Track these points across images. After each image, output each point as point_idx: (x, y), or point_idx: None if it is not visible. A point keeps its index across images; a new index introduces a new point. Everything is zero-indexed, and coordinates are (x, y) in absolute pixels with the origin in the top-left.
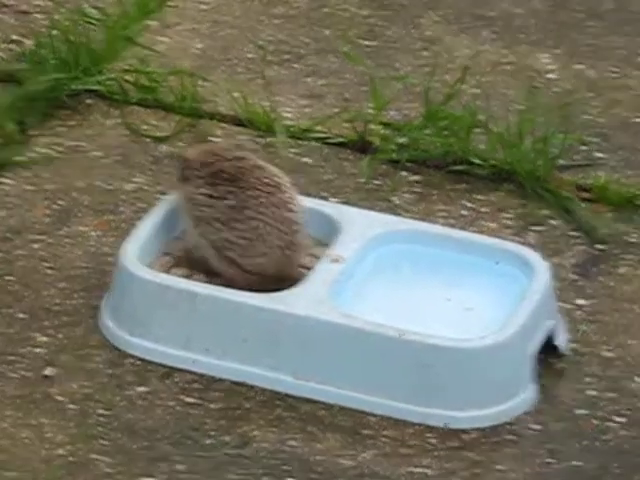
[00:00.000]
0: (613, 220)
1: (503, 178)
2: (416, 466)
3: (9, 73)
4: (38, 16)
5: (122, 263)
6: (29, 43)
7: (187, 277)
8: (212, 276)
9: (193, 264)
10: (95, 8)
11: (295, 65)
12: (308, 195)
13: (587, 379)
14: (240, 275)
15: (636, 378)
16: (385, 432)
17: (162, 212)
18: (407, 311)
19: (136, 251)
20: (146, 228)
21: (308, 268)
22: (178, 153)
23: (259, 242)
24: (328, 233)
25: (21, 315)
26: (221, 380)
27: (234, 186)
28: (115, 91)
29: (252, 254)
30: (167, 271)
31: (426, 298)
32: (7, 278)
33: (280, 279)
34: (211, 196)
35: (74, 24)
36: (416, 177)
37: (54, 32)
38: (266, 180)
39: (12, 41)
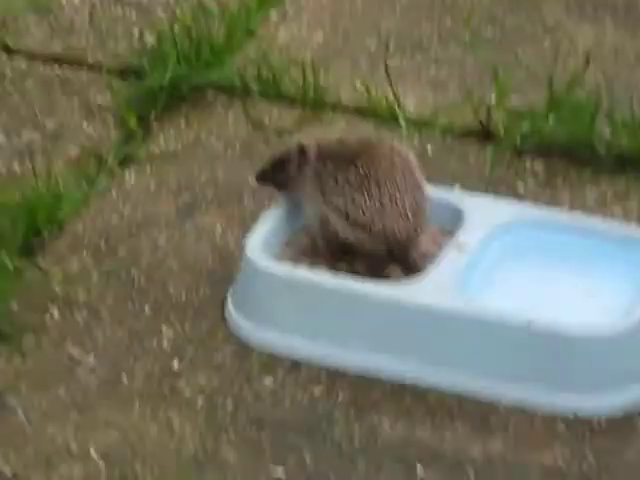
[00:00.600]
0: None
1: (628, 164)
2: (545, 454)
3: (131, 68)
4: (159, 11)
5: (247, 255)
6: (151, 38)
7: (312, 268)
8: (336, 265)
9: (317, 249)
10: (215, 2)
11: (417, 55)
12: (432, 184)
13: None
14: (368, 240)
15: None
16: (514, 420)
17: (285, 203)
18: (534, 299)
19: (261, 243)
20: (270, 220)
21: (433, 256)
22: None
23: (391, 206)
24: (453, 221)
25: (147, 309)
26: (348, 371)
27: (362, 156)
28: (236, 84)
29: (383, 218)
30: (293, 263)
31: (552, 285)
32: (133, 272)
33: (404, 249)
34: (338, 166)
35: (195, 18)
36: (540, 164)
37: (175, 27)
38: (396, 153)
39: (134, 36)
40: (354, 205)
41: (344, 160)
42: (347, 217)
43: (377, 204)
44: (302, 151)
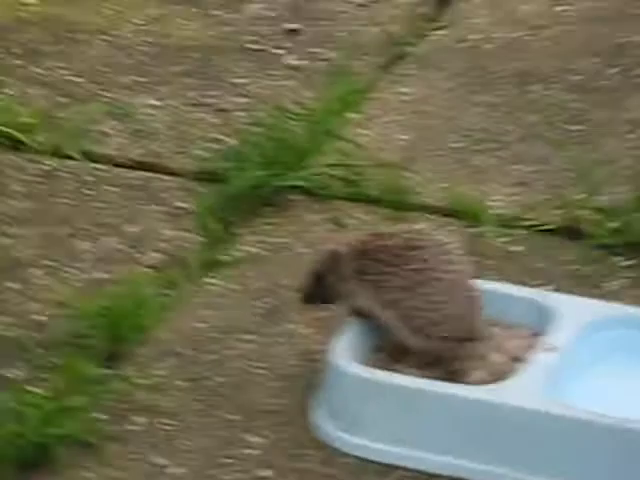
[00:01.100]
0: None
1: None
2: None
3: (213, 172)
4: (239, 113)
5: (333, 360)
6: (231, 141)
7: (400, 371)
8: (423, 367)
9: (404, 352)
10: (296, 103)
11: (501, 153)
12: (520, 284)
13: None
14: (431, 344)
15: None
16: None
17: None
18: (627, 399)
19: (346, 348)
20: (357, 324)
21: (520, 359)
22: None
23: (447, 304)
24: (541, 321)
25: (233, 417)
26: (439, 476)
27: (411, 251)
28: (319, 186)
29: (440, 318)
30: (381, 367)
31: None
32: (218, 380)
33: (467, 345)
34: (385, 269)
35: (276, 120)
36: (630, 262)
37: (256, 129)
38: (442, 251)
39: (214, 140)
40: (413, 309)
41: (392, 257)
42: (408, 323)
43: (433, 302)
44: (335, 256)
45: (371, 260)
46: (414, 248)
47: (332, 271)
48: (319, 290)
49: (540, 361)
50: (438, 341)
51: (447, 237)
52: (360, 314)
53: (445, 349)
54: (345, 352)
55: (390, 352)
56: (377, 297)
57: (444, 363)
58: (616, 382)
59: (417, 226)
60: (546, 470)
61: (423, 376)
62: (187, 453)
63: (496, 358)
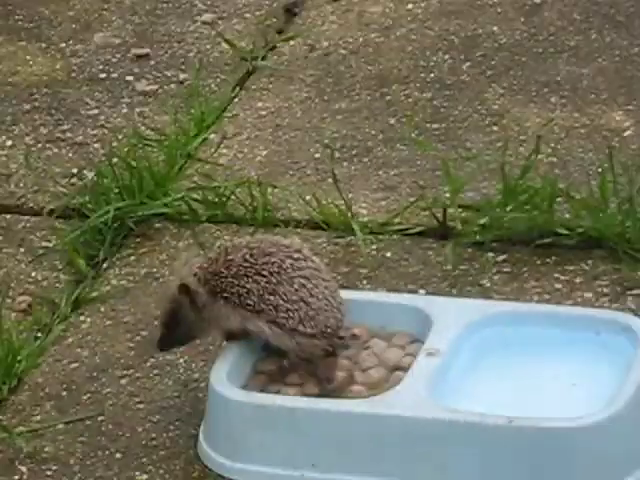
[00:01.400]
0: None
1: (592, 245)
2: None
3: (73, 208)
4: (96, 146)
5: (214, 387)
6: (90, 174)
7: (281, 392)
8: (304, 385)
9: (286, 371)
10: (152, 129)
11: (364, 159)
12: (395, 290)
13: None
14: (304, 342)
15: None
16: None
17: None
18: (513, 395)
19: (227, 373)
20: (235, 348)
21: (404, 367)
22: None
23: (310, 299)
24: (421, 327)
25: (118, 455)
26: None
27: (258, 263)
28: (183, 211)
29: (306, 314)
30: (262, 389)
31: (530, 379)
32: (99, 419)
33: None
34: (240, 282)
35: (133, 149)
36: (503, 256)
37: (114, 160)
38: (292, 251)
39: (72, 175)
40: (277, 311)
41: (243, 268)
42: (279, 326)
43: (296, 304)
44: (186, 290)
45: (223, 278)
46: (264, 255)
47: (186, 306)
48: (176, 332)
49: (422, 367)
50: (309, 338)
51: (293, 240)
52: (233, 336)
53: (318, 345)
54: (224, 377)
55: (270, 372)
56: (241, 312)
57: (322, 370)
58: (500, 380)
59: (259, 236)
60: (439, 477)
61: (304, 395)
62: None
63: (376, 370)
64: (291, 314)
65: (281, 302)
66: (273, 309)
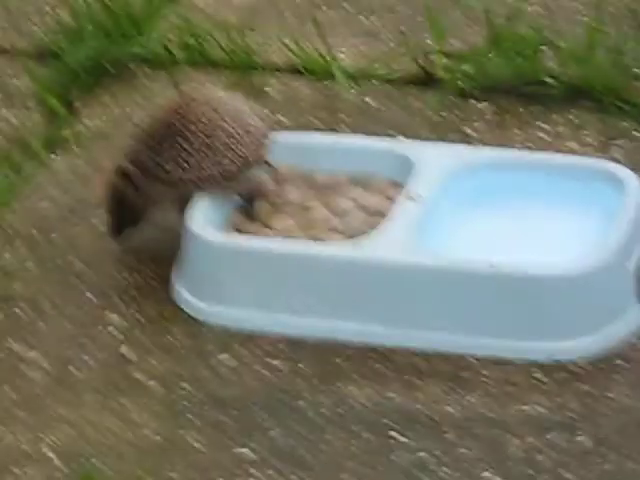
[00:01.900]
0: None
1: (578, 95)
2: (525, 404)
3: (48, 48)
4: None
5: (190, 228)
6: (65, 15)
7: (260, 233)
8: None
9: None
10: None
11: (345, 4)
12: (377, 135)
13: None
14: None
15: None
16: (487, 372)
17: None
18: (496, 243)
19: (202, 216)
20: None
21: (384, 212)
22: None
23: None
24: (402, 172)
25: (90, 295)
26: (308, 338)
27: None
28: (160, 53)
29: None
30: (238, 231)
31: (514, 226)
32: (70, 258)
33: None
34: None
35: None
36: (486, 104)
37: (90, 0)
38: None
39: (48, 14)
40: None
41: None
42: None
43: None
44: (124, 175)
45: (159, 145)
46: (187, 113)
47: (126, 190)
48: (125, 216)
49: (404, 212)
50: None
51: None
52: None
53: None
54: (202, 219)
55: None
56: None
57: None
58: (483, 226)
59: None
60: (418, 323)
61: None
62: (45, 337)
63: (355, 214)
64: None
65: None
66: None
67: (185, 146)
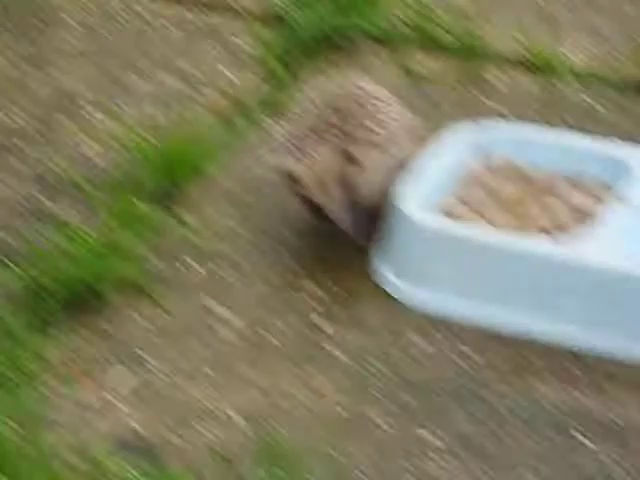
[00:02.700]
0: None
1: None
2: None
3: (279, 15)
4: None
5: (400, 208)
6: None
7: (471, 222)
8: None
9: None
10: None
11: (582, 5)
12: (596, 138)
13: None
14: None
15: None
16: None
17: (442, 152)
18: None
19: (416, 195)
20: (426, 169)
21: (594, 214)
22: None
23: None
24: (616, 175)
25: (293, 264)
26: (504, 331)
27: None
28: (388, 30)
29: None
30: (451, 215)
31: None
32: (278, 227)
33: None
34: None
35: None
36: None
37: None
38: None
39: None
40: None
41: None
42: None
43: None
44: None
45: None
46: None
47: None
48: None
49: (615, 215)
50: None
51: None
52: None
53: None
54: (413, 200)
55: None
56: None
57: None
58: None
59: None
60: (619, 330)
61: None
62: (243, 299)
63: (567, 216)
64: None
65: None
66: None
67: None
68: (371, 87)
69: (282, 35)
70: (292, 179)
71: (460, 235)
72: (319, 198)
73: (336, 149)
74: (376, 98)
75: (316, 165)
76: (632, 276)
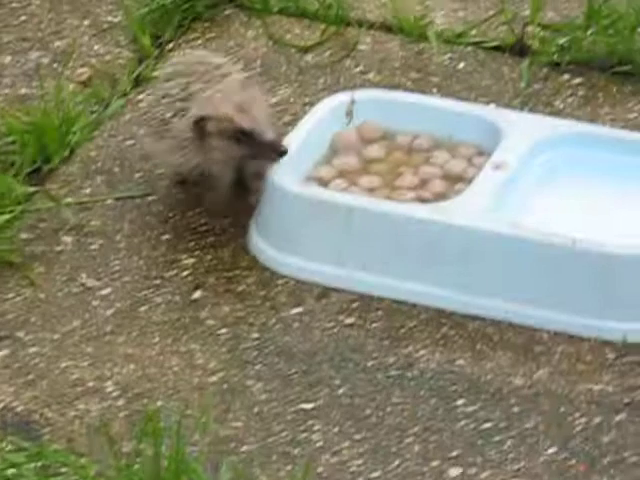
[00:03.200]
0: None
1: None
2: (595, 383)
3: None
4: None
5: (272, 177)
6: None
7: (345, 189)
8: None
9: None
10: None
11: None
12: (466, 101)
13: None
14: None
15: None
16: (559, 348)
17: (316, 121)
18: (578, 219)
19: (289, 165)
20: (298, 141)
21: (468, 178)
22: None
23: None
24: (489, 139)
25: (166, 236)
26: (381, 298)
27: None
28: (255, 0)
29: None
30: (324, 184)
31: (598, 204)
32: (149, 199)
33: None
34: None
35: None
36: (579, 79)
37: None
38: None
39: None
40: None
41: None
42: None
43: None
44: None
45: None
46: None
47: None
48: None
49: (487, 179)
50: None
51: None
52: None
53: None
54: (286, 171)
55: (340, 168)
56: None
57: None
58: (567, 201)
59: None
60: (492, 292)
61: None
62: (117, 273)
63: (435, 178)
64: None
65: None
66: None
67: None
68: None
69: (148, 6)
70: (208, 119)
71: (330, 202)
72: (247, 122)
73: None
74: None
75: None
76: (502, 237)
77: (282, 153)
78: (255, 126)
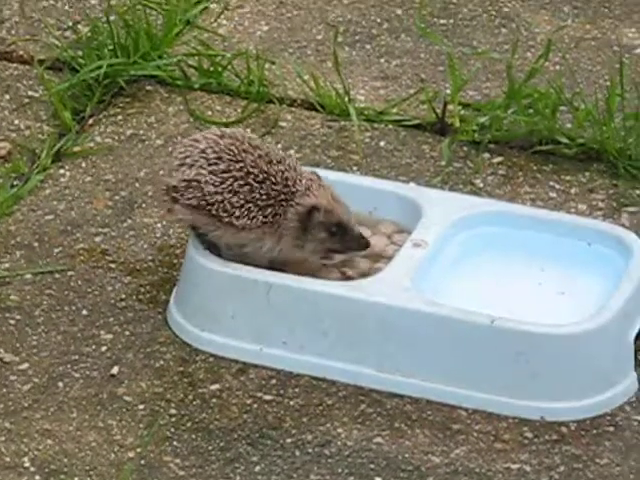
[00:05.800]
0: None
1: (592, 158)
2: (512, 462)
3: (65, 61)
4: (93, 1)
5: (191, 254)
6: (85, 29)
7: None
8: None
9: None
10: None
11: (367, 46)
12: (387, 179)
13: None
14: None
15: None
16: (477, 426)
17: None
18: (497, 297)
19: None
20: None
21: (388, 256)
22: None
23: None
24: (409, 217)
25: (84, 312)
26: (300, 375)
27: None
28: (176, 76)
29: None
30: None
31: (516, 283)
32: (69, 274)
33: None
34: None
35: (132, 8)
36: (499, 158)
37: (111, 17)
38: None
39: (67, 27)
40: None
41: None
42: None
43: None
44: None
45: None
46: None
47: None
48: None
49: (406, 257)
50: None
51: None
52: None
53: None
54: (202, 246)
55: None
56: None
57: None
58: (486, 280)
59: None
60: (411, 370)
61: (285, 270)
62: (35, 348)
63: (360, 255)
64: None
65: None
66: None
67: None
68: None
69: (72, 85)
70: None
71: (249, 279)
72: (345, 214)
73: None
74: None
75: None
76: (420, 315)
77: (367, 247)
78: (350, 219)
